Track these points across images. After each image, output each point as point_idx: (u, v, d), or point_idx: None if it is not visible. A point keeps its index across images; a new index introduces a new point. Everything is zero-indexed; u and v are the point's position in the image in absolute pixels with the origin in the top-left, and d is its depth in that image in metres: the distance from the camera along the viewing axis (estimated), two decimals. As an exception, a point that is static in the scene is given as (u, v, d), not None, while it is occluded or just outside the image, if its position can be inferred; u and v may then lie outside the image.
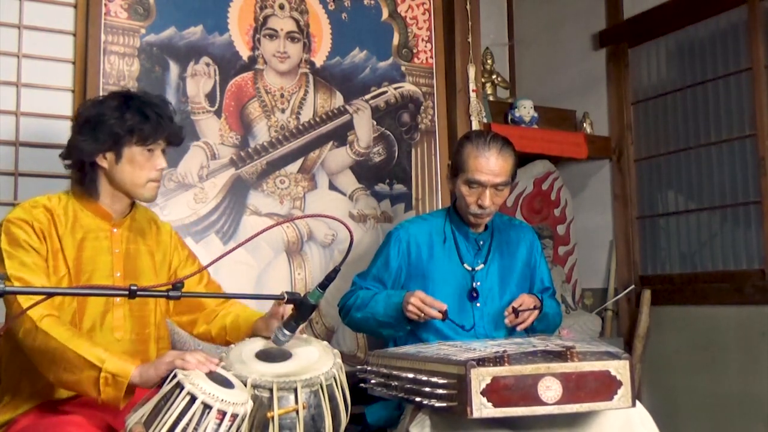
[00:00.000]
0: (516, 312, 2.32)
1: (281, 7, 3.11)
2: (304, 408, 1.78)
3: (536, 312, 2.35)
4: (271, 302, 2.00)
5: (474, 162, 2.35)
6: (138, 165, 2.00)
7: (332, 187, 3.15)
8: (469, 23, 3.40)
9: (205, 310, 2.19)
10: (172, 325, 2.31)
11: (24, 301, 1.74)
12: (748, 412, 3.16)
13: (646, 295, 3.56)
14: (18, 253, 1.87)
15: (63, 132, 2.65)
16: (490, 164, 2.34)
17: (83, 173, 2.03)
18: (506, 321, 2.34)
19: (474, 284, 2.43)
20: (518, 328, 2.36)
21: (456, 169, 2.42)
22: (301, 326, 1.88)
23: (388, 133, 3.28)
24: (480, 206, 2.37)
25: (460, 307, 2.38)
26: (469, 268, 2.45)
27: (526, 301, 2.35)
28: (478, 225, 2.47)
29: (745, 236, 3.28)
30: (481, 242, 2.48)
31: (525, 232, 2.60)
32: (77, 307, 1.95)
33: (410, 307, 2.25)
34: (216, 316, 2.17)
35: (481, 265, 2.46)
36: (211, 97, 2.94)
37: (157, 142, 2.01)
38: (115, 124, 1.96)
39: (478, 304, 2.40)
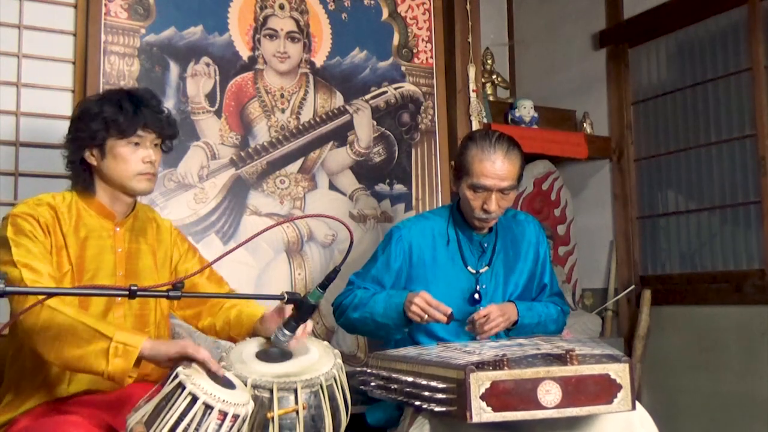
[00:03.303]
0: (474, 323, 2.24)
1: (281, 7, 3.11)
2: (304, 408, 1.78)
3: (502, 325, 2.25)
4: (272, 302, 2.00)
5: (479, 166, 2.26)
6: (122, 159, 1.98)
7: (332, 187, 3.15)
8: (469, 23, 3.40)
9: (207, 302, 2.18)
10: (172, 327, 2.31)
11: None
12: (748, 412, 3.16)
13: (646, 295, 3.56)
14: (24, 241, 1.88)
15: (63, 132, 2.62)
16: (495, 168, 2.25)
17: (77, 173, 2.04)
18: (466, 329, 2.27)
19: (477, 287, 2.37)
20: (479, 338, 2.24)
21: (460, 171, 2.33)
22: (302, 326, 1.88)
23: (388, 133, 3.28)
24: (486, 211, 2.29)
25: (463, 311, 2.32)
26: (473, 271, 2.39)
27: (492, 313, 2.24)
28: (483, 228, 2.41)
29: (745, 236, 3.28)
30: (486, 245, 2.42)
31: (530, 227, 2.51)
32: (78, 306, 1.95)
33: (414, 308, 2.16)
34: (220, 309, 2.16)
35: (486, 268, 2.40)
36: (211, 97, 2.94)
37: (138, 134, 1.98)
38: (92, 119, 1.96)
39: (480, 308, 2.32)
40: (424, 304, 2.17)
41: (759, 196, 3.19)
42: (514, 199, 3.45)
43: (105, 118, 1.96)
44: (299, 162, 3.09)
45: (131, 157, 1.99)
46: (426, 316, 2.18)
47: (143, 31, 2.84)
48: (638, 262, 3.72)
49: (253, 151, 3.00)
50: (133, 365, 1.71)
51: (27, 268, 1.83)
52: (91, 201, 2.04)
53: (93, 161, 2.01)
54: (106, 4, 2.78)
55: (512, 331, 2.33)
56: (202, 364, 1.68)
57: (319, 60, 3.17)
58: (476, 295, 2.37)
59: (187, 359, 1.68)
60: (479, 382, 1.67)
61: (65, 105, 2.72)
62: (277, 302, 1.93)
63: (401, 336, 2.33)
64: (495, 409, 1.67)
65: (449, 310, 2.18)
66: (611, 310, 3.76)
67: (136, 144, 2.00)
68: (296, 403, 1.78)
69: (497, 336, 2.29)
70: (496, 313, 2.25)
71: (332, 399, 1.86)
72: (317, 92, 3.15)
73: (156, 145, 2.04)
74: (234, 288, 2.31)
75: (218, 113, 2.95)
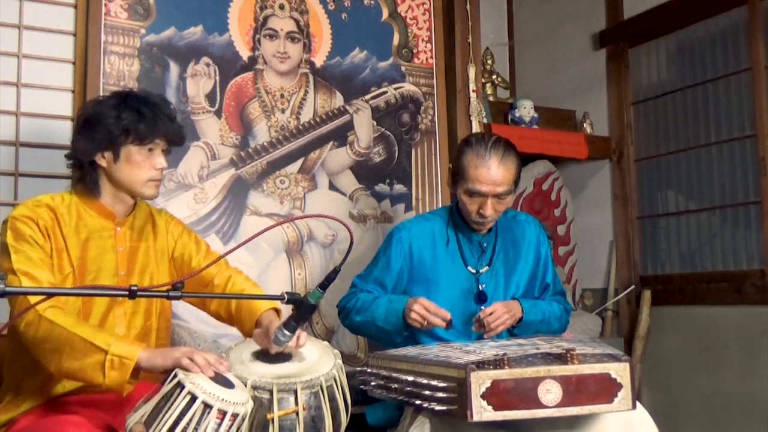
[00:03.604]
0: (480, 322, 2.24)
1: (281, 7, 3.11)
2: (304, 409, 1.79)
3: (508, 322, 2.26)
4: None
5: (474, 172, 2.27)
6: (136, 164, 2.00)
7: (332, 187, 3.15)
8: (469, 23, 3.40)
9: (209, 285, 2.18)
10: (173, 327, 2.31)
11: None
12: (748, 412, 3.16)
13: (646, 295, 3.56)
14: (23, 247, 1.88)
15: (63, 132, 2.65)
16: (491, 174, 2.26)
17: (84, 173, 2.04)
18: (473, 328, 2.28)
19: (480, 287, 2.37)
20: (485, 336, 2.25)
21: (456, 175, 2.34)
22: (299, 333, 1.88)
23: (388, 133, 3.27)
24: (482, 215, 2.30)
25: (465, 311, 2.34)
26: (474, 271, 2.40)
27: (497, 310, 2.25)
28: (481, 230, 2.41)
29: (745, 236, 3.28)
30: (485, 244, 2.43)
31: (531, 227, 2.52)
32: (82, 306, 1.96)
33: (413, 314, 2.19)
34: (222, 292, 2.16)
35: (486, 267, 2.41)
36: (211, 97, 2.94)
37: (154, 142, 2.00)
38: (111, 123, 1.96)
39: (483, 307, 2.33)
40: (423, 310, 2.19)
41: (759, 196, 3.19)
42: (514, 199, 3.44)
43: (125, 124, 1.96)
44: (299, 162, 3.09)
45: (145, 163, 2.01)
46: (425, 322, 2.19)
47: (143, 31, 2.84)
48: (638, 262, 3.72)
49: (253, 151, 3.00)
50: (132, 375, 1.73)
51: (26, 276, 1.84)
52: (92, 202, 2.04)
53: (103, 163, 2.01)
54: (106, 4, 2.77)
55: (517, 328, 2.33)
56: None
57: (319, 60, 3.17)
58: (481, 296, 2.36)
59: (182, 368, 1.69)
60: (480, 381, 1.67)
61: (65, 105, 2.72)
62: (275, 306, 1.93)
63: (401, 340, 2.33)
64: (495, 408, 1.67)
65: (448, 316, 2.19)
66: (611, 310, 3.76)
67: (150, 150, 2.01)
68: (296, 404, 1.78)
69: (499, 336, 2.29)
70: (501, 311, 2.26)
71: (332, 400, 1.86)
72: (317, 92, 3.15)
73: (164, 150, 2.05)
74: (234, 266, 2.28)
75: (218, 113, 2.95)
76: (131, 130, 1.97)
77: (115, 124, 1.96)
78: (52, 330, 1.75)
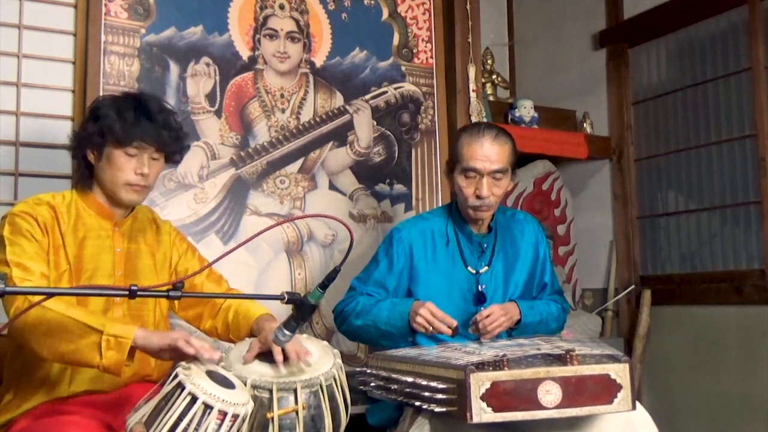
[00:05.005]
0: (477, 324, 2.25)
1: (281, 7, 3.11)
2: (303, 408, 1.79)
3: (505, 324, 2.26)
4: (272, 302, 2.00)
5: (468, 149, 2.31)
6: (116, 166, 1.99)
7: (332, 187, 3.15)
8: (469, 23, 3.40)
9: (209, 302, 2.19)
10: (172, 326, 2.31)
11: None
12: (748, 412, 3.16)
13: (647, 295, 3.56)
14: (20, 240, 1.88)
15: (63, 132, 2.63)
16: (484, 150, 2.29)
17: (80, 168, 2.07)
18: (470, 330, 2.28)
19: (479, 287, 2.38)
20: (482, 338, 2.24)
21: (453, 162, 2.37)
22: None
23: (388, 133, 3.27)
24: (479, 196, 2.30)
25: (464, 311, 2.34)
26: (473, 272, 2.40)
27: (495, 313, 2.25)
28: (479, 220, 2.40)
29: (745, 236, 3.28)
30: (485, 245, 2.43)
31: (529, 226, 2.52)
32: (77, 305, 1.95)
33: (419, 319, 2.18)
34: (219, 309, 2.17)
35: (485, 268, 2.41)
36: (211, 97, 2.94)
37: (134, 146, 1.98)
38: (94, 122, 1.99)
39: (482, 309, 2.32)
40: (430, 315, 2.18)
41: (759, 196, 3.19)
42: (511, 197, 3.44)
43: (104, 123, 1.97)
44: (299, 162, 3.09)
45: (125, 165, 1.99)
46: (431, 328, 2.19)
47: (143, 31, 2.84)
48: (638, 262, 3.72)
49: (253, 151, 3.00)
50: (128, 356, 1.72)
51: (19, 267, 1.84)
52: (91, 201, 2.05)
53: (92, 160, 2.03)
54: (106, 4, 2.77)
55: (515, 330, 2.34)
56: (195, 358, 1.69)
57: (319, 60, 3.16)
58: (480, 297, 2.37)
59: (178, 351, 1.69)
60: (479, 383, 1.67)
61: (65, 105, 2.72)
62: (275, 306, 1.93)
63: (404, 344, 2.31)
64: (495, 410, 1.67)
65: (454, 323, 2.19)
66: (611, 310, 3.76)
67: (134, 155, 2.00)
68: (296, 403, 1.78)
69: (498, 336, 2.29)
70: (498, 313, 2.26)
71: (332, 399, 1.86)
72: (317, 92, 3.15)
73: (155, 159, 2.04)
74: (234, 287, 2.31)
75: (218, 113, 2.95)
76: (107, 131, 1.96)
77: (96, 123, 1.98)
78: (44, 314, 1.74)
